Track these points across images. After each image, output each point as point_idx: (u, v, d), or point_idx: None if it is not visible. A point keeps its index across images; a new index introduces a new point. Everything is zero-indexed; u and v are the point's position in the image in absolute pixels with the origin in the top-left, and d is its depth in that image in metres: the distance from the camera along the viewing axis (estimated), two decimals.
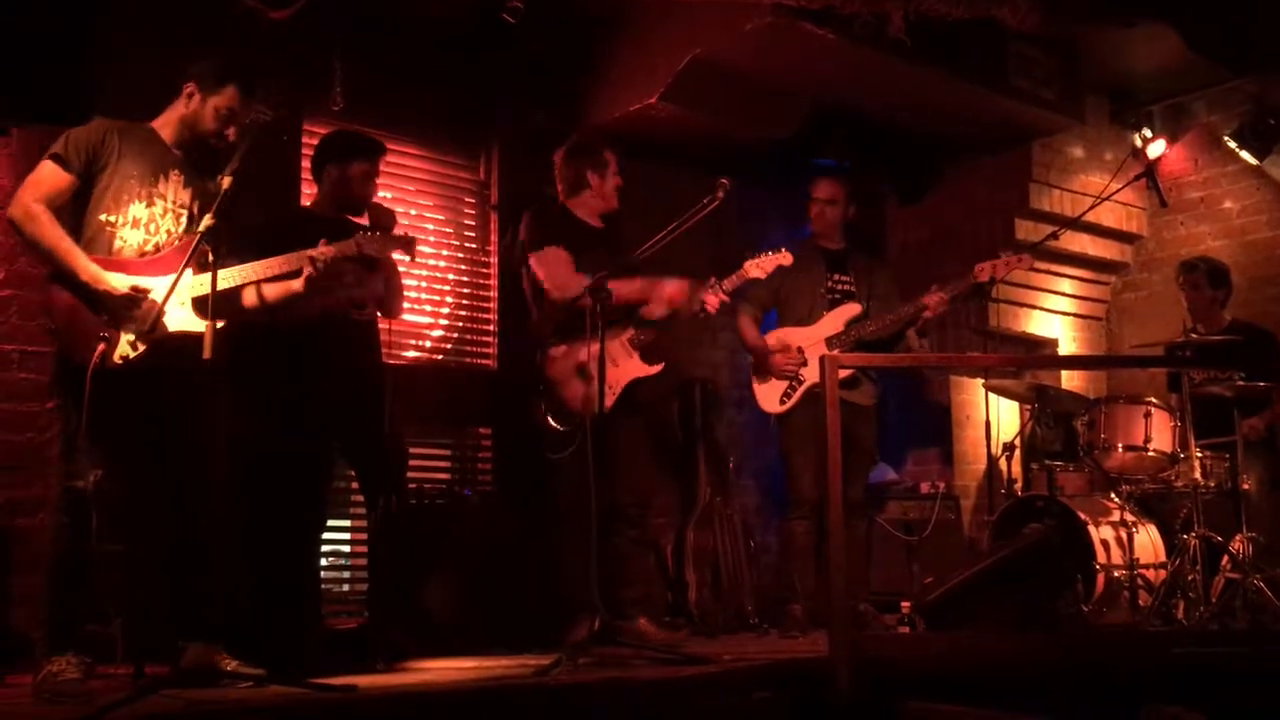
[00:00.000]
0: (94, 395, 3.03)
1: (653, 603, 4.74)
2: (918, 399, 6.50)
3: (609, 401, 4.25)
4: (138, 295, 3.19)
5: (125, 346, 3.19)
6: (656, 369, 4.41)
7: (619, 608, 4.27)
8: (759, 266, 4.51)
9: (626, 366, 4.36)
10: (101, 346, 3.11)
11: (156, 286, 3.23)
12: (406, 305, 5.11)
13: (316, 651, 3.83)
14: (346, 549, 4.89)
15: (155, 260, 3.29)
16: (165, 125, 3.44)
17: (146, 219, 3.33)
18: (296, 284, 3.47)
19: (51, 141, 3.29)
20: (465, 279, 5.37)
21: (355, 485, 4.44)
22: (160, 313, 3.15)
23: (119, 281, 3.19)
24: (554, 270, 4.34)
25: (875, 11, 4.66)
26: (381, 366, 4.12)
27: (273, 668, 3.21)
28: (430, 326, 5.26)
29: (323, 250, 3.46)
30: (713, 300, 4.43)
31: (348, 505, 4.76)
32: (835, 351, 4.82)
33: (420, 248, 5.21)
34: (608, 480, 4.23)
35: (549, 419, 4.26)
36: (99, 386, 3.07)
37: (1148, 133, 6.72)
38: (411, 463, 4.99)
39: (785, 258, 4.57)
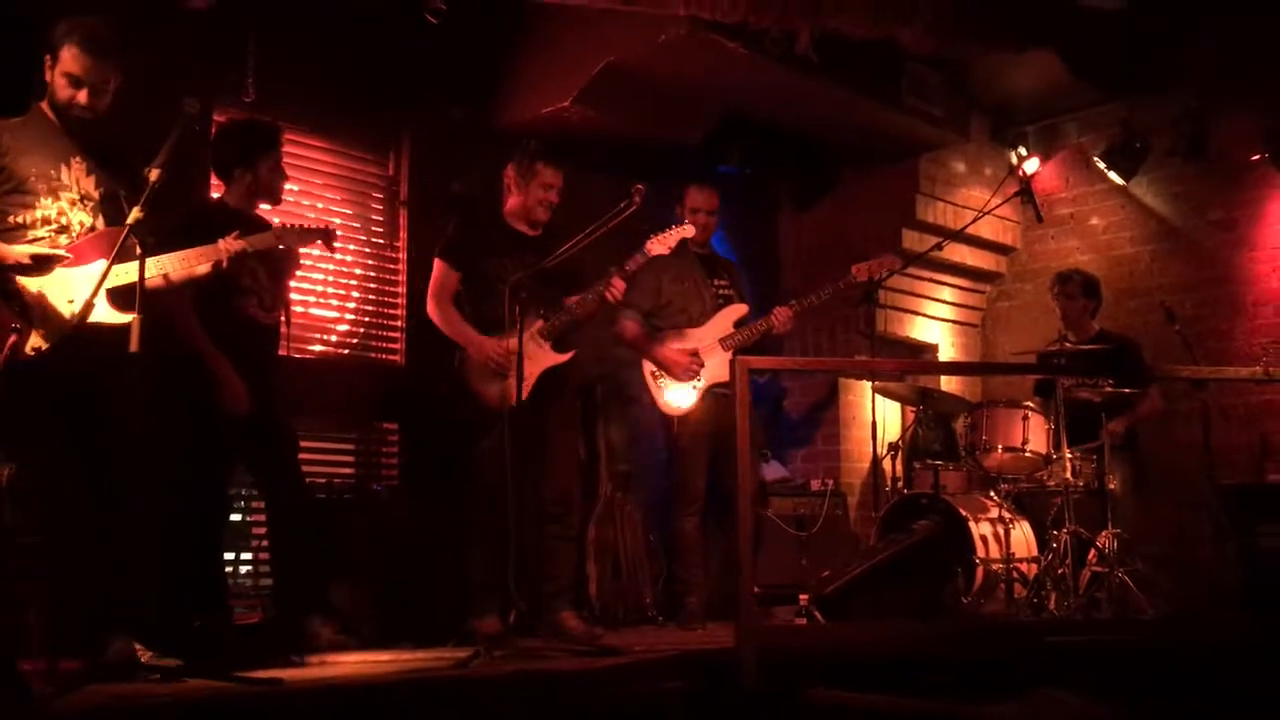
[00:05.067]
0: (4, 389, 2.98)
1: (575, 596, 4.80)
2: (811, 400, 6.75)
3: (524, 393, 4.32)
4: (42, 257, 3.15)
5: (36, 339, 3.14)
6: (567, 357, 4.49)
7: (542, 601, 4.36)
8: (662, 243, 4.59)
9: (538, 357, 4.42)
10: (13, 339, 3.05)
11: (74, 278, 3.19)
12: (312, 300, 5.15)
13: (228, 645, 3.82)
14: (248, 543, 4.85)
15: (73, 250, 3.25)
16: (48, 106, 3.35)
17: (56, 213, 3.28)
18: (202, 268, 3.46)
19: None
20: (372, 274, 5.37)
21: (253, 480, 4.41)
22: (79, 320, 3.08)
23: (19, 251, 3.15)
24: (437, 289, 4.46)
25: (785, 28, 4.85)
26: (279, 365, 4.16)
27: (186, 661, 3.21)
28: (336, 321, 5.25)
29: (235, 244, 3.47)
30: (618, 285, 4.49)
31: (246, 499, 4.73)
32: (734, 354, 4.99)
33: None
34: (533, 477, 4.35)
35: (467, 415, 4.32)
36: (9, 380, 3.01)
37: (1023, 151, 7.09)
38: (317, 457, 5.03)
39: (688, 230, 4.72)
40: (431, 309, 4.47)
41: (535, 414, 4.34)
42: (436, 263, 4.50)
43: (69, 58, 3.25)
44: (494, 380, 4.29)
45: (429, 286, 4.49)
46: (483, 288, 4.39)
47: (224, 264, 3.47)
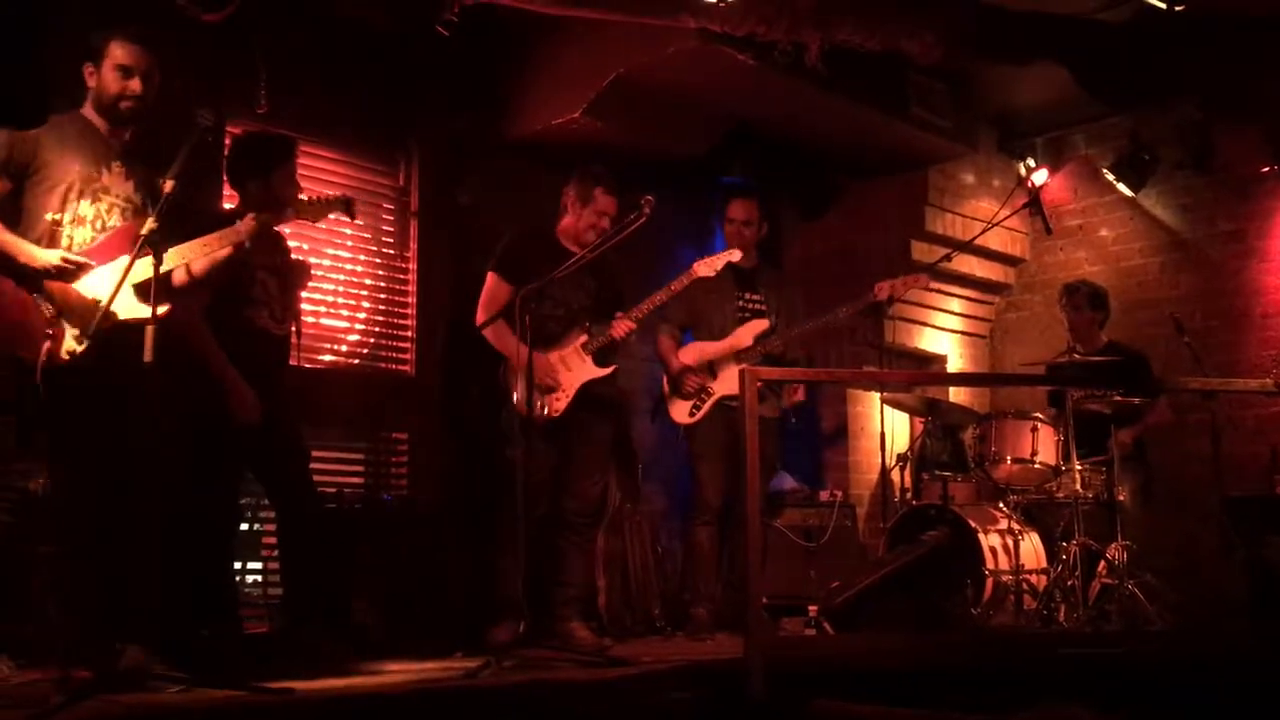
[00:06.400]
0: (43, 393, 3.00)
1: (586, 606, 4.82)
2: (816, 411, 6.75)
3: (563, 405, 4.45)
4: (68, 266, 3.19)
5: (71, 341, 3.16)
6: (608, 371, 4.55)
7: (552, 609, 4.38)
8: (708, 265, 4.66)
9: (580, 370, 4.49)
10: (48, 344, 3.08)
11: (100, 273, 3.23)
12: (323, 310, 5.17)
13: (237, 655, 3.83)
14: (257, 553, 4.86)
15: (98, 247, 3.29)
16: (90, 111, 3.45)
17: (93, 216, 3.34)
18: (223, 251, 3.48)
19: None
20: (383, 285, 5.39)
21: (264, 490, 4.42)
22: (104, 314, 3.12)
23: (50, 256, 3.20)
24: (488, 300, 4.51)
25: (794, 40, 4.87)
26: (289, 376, 4.17)
27: (195, 670, 3.22)
28: (346, 331, 5.27)
29: (253, 222, 3.49)
30: (633, 318, 4.59)
31: (255, 509, 4.73)
32: (744, 366, 5.00)
33: (337, 252, 5.28)
34: (561, 485, 4.43)
35: (511, 422, 4.39)
36: (46, 384, 3.04)
37: (1031, 162, 7.12)
38: (326, 467, 5.04)
39: (734, 254, 4.77)
40: (482, 320, 4.49)
41: (571, 425, 4.43)
42: (489, 276, 4.55)
43: (120, 52, 3.38)
44: (536, 390, 4.32)
45: (480, 298, 4.53)
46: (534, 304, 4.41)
47: (246, 244, 3.48)
